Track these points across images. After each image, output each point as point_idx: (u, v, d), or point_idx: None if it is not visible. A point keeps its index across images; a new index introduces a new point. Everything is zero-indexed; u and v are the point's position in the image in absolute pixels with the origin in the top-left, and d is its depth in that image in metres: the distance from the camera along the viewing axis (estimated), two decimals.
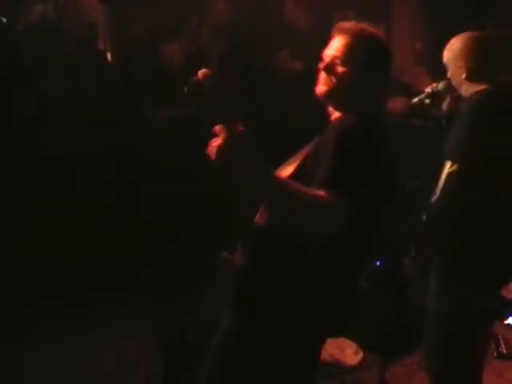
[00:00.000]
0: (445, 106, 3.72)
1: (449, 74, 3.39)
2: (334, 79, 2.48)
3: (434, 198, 3.19)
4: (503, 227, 3.20)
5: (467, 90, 3.28)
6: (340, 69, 2.47)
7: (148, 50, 6.22)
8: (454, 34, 3.34)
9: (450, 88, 3.47)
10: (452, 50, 3.33)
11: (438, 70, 3.60)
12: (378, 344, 4.26)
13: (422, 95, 3.70)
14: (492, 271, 3.23)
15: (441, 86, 3.61)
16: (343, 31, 2.52)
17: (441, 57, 3.43)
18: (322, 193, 2.18)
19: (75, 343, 4.35)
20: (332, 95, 2.51)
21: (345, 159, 2.26)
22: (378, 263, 4.41)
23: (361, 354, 4.46)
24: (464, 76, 3.26)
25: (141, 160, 5.45)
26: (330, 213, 2.18)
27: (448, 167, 3.10)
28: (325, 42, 2.57)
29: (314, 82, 2.57)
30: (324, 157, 2.29)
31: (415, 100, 3.75)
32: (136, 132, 5.54)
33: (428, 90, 3.68)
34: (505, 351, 4.59)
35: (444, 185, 3.13)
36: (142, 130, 5.61)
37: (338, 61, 2.48)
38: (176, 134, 5.62)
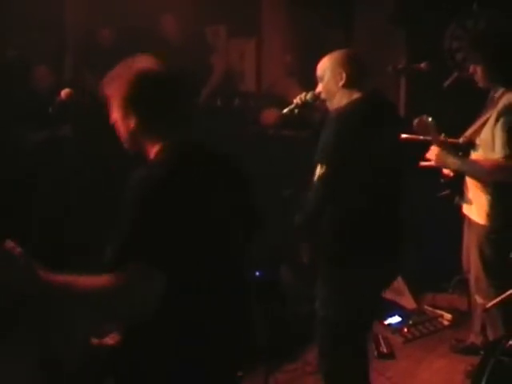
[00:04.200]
0: (317, 115, 3.80)
1: (321, 86, 3.49)
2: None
3: (307, 200, 3.29)
4: (369, 228, 3.32)
5: (342, 98, 3.39)
6: None
7: (20, 74, 6.09)
8: (322, 45, 3.43)
9: (318, 98, 3.57)
10: (329, 61, 3.42)
11: (308, 81, 3.68)
12: (260, 352, 4.29)
13: (292, 106, 3.76)
14: (370, 273, 3.34)
15: (309, 96, 3.69)
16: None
17: (311, 68, 3.53)
18: (106, 278, 1.92)
19: None
20: None
21: (140, 221, 2.00)
22: (257, 274, 4.45)
23: None
24: (342, 83, 3.36)
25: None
26: (127, 297, 1.92)
27: (318, 169, 3.19)
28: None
29: None
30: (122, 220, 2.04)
31: (285, 111, 3.80)
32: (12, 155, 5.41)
33: (297, 100, 3.74)
34: (385, 350, 4.73)
35: (315, 186, 3.23)
36: (18, 153, 5.48)
37: None
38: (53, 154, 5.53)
